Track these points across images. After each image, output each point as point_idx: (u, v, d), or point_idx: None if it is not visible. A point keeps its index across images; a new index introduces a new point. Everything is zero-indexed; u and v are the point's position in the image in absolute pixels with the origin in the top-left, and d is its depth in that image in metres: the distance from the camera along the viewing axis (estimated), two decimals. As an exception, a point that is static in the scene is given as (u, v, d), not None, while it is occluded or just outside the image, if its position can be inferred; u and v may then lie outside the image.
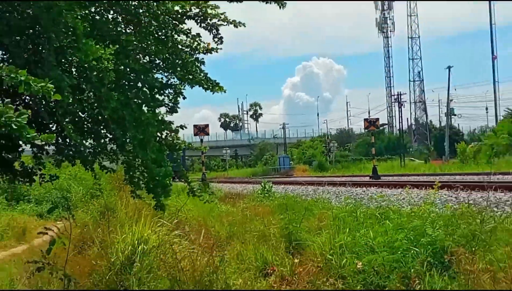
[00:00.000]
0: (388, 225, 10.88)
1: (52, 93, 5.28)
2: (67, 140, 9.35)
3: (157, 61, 10.19)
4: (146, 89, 9.53)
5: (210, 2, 10.09)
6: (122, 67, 8.97)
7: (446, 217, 10.88)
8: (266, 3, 10.21)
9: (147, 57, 10.03)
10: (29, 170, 10.00)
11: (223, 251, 11.04)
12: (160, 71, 10.27)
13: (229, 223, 15.41)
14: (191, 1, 9.89)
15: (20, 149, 9.56)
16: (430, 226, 10.09)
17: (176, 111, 10.39)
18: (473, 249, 9.30)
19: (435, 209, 12.29)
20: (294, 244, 11.97)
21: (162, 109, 10.25)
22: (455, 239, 9.65)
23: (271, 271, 10.32)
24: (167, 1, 9.63)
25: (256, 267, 10.67)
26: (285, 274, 10.13)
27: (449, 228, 10.08)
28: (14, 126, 4.93)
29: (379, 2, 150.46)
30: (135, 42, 9.33)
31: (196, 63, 10.22)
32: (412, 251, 9.47)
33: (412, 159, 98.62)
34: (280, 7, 10.30)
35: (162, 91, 10.08)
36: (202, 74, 10.24)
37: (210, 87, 10.27)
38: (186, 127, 11.00)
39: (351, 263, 9.65)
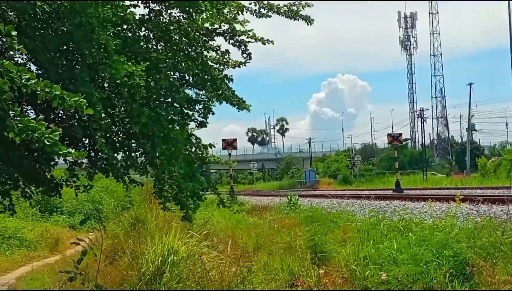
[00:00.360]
0: (411, 237, 11.02)
1: (84, 107, 5.39)
2: (99, 154, 9.56)
3: (187, 78, 10.38)
4: (176, 105, 9.71)
5: (240, 17, 10.30)
6: (153, 83, 9.15)
7: (468, 230, 10.99)
8: (294, 20, 10.43)
9: (177, 74, 10.20)
10: (59, 183, 10.24)
11: (250, 262, 11.18)
12: (190, 87, 10.48)
13: (256, 235, 15.54)
14: (221, 18, 10.09)
15: (53, 162, 9.79)
16: (453, 240, 10.23)
17: (205, 126, 10.58)
18: (494, 261, 9.44)
19: (457, 222, 12.39)
20: (320, 255, 12.08)
21: (192, 124, 10.47)
22: (476, 251, 9.79)
23: (301, 284, 10.43)
24: (197, 18, 9.81)
25: (283, 278, 10.79)
26: (311, 284, 10.28)
27: (470, 240, 10.21)
28: (47, 143, 5.05)
29: (402, 20, 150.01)
30: (166, 60, 9.52)
31: (225, 80, 10.42)
32: (435, 263, 9.61)
33: (434, 173, 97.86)
34: (308, 24, 10.50)
35: (192, 107, 10.28)
36: (230, 91, 10.42)
37: (237, 104, 10.46)
38: (214, 147, 11.16)
39: (375, 274, 9.81)
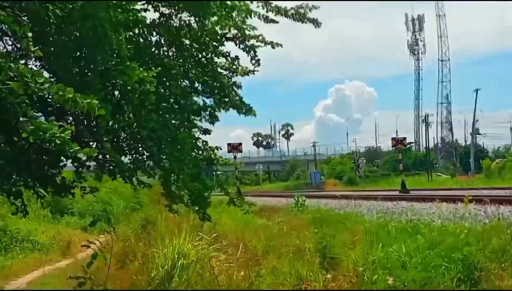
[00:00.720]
0: (420, 240, 11.03)
1: (97, 108, 5.48)
2: (107, 156, 9.62)
3: (196, 85, 10.45)
4: (184, 112, 9.77)
5: (248, 23, 10.36)
6: (163, 90, 9.21)
7: (477, 232, 11.01)
8: (302, 23, 10.46)
9: (186, 81, 10.27)
10: (70, 184, 10.32)
11: (259, 266, 11.21)
12: (198, 95, 10.55)
13: (266, 237, 15.55)
14: (230, 22, 10.15)
15: (61, 164, 9.87)
16: (463, 243, 10.24)
17: (209, 133, 10.67)
18: (503, 265, 9.46)
19: (465, 223, 12.40)
20: (328, 258, 12.05)
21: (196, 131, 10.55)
22: (485, 254, 9.80)
23: (306, 286, 10.45)
24: (207, 23, 9.88)
25: (291, 282, 10.76)
26: (318, 288, 10.29)
27: (479, 243, 10.23)
28: (58, 142, 5.13)
29: (410, 24, 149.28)
30: (177, 66, 9.57)
31: (233, 87, 10.49)
32: (443, 267, 9.63)
33: (439, 174, 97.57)
34: (315, 27, 10.53)
35: (199, 113, 10.35)
36: (237, 97, 10.49)
37: (244, 111, 10.53)
38: (221, 149, 11.25)
39: (383, 279, 9.81)
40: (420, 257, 10.11)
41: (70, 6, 7.87)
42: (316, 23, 10.47)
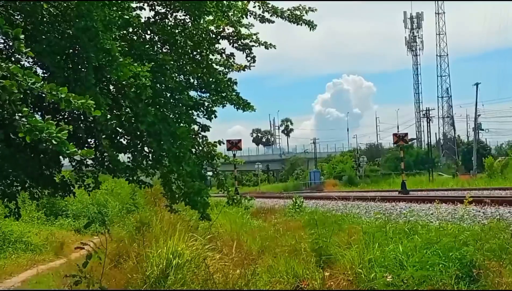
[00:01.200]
0: (417, 239, 10.96)
1: (92, 109, 5.39)
2: (105, 155, 9.55)
3: (192, 80, 10.40)
4: (182, 105, 9.70)
5: (244, 21, 10.32)
6: (159, 85, 9.14)
7: (475, 232, 10.94)
8: (297, 24, 10.43)
9: (182, 76, 10.22)
10: (69, 183, 10.24)
11: (255, 265, 11.15)
12: (194, 90, 10.50)
13: (261, 238, 15.48)
14: (225, 20, 10.12)
15: (59, 164, 9.80)
16: (460, 243, 10.18)
17: (208, 130, 10.61)
18: (501, 263, 9.39)
19: (463, 224, 12.32)
20: (324, 258, 11.98)
21: (195, 127, 10.49)
22: (484, 253, 9.74)
23: (305, 286, 10.38)
24: (202, 21, 9.85)
25: (288, 280, 10.73)
26: (316, 287, 10.23)
27: (477, 243, 10.16)
28: (55, 142, 5.04)
29: (408, 21, 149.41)
30: (171, 62, 9.52)
31: (229, 83, 10.43)
32: (441, 265, 9.56)
33: (440, 173, 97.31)
34: (310, 29, 10.49)
35: (197, 107, 10.29)
36: (234, 93, 10.43)
37: (241, 106, 10.46)
38: (223, 143, 11.21)
39: (380, 277, 9.75)
40: (418, 256, 10.02)
41: (65, 4, 7.83)
42: (311, 25, 10.45)
